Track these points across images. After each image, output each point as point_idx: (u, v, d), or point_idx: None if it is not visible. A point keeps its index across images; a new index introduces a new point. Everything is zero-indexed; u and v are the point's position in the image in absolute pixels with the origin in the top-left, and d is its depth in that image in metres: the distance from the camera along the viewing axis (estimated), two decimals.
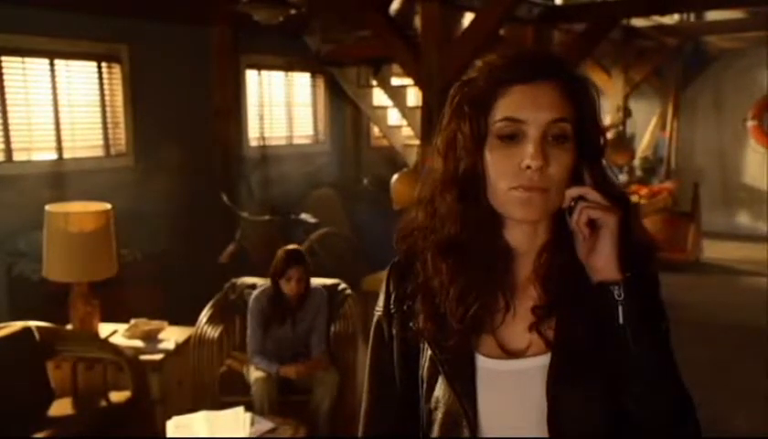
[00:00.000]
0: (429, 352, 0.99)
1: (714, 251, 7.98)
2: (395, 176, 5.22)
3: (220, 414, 2.87)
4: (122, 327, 3.61)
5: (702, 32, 8.79)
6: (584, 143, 0.94)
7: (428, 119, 4.68)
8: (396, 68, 6.84)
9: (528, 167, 0.90)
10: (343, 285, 3.73)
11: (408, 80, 7.15)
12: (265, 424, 2.81)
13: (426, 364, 1.00)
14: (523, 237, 0.99)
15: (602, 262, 0.91)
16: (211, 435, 2.70)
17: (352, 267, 5.58)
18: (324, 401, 3.21)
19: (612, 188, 0.95)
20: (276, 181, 6.46)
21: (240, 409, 2.91)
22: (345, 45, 6.09)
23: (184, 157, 5.53)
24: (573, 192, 0.93)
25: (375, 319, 1.10)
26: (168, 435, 2.72)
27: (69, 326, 3.45)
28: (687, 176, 9.02)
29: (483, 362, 0.97)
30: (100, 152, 5.10)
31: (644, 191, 6.94)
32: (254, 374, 3.18)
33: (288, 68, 6.58)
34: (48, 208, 3.37)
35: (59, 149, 4.79)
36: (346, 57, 6.25)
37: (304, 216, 5.73)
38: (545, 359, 0.93)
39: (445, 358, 0.97)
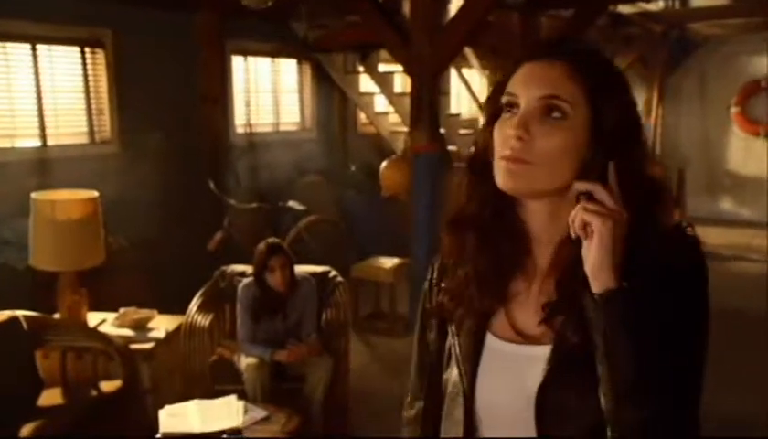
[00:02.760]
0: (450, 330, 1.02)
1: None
2: (384, 163, 5.21)
3: (213, 403, 2.86)
4: (110, 316, 3.58)
5: (687, 19, 8.84)
6: (602, 129, 0.92)
7: (418, 105, 4.67)
8: (383, 54, 6.80)
9: (511, 138, 0.91)
10: (333, 273, 3.72)
11: (395, 67, 7.13)
12: (259, 413, 2.79)
13: (448, 342, 1.04)
14: (537, 221, 0.97)
15: (588, 271, 0.88)
16: (204, 424, 2.68)
17: (341, 254, 5.57)
18: (317, 388, 3.20)
19: (642, 184, 0.92)
20: (263, 168, 6.41)
21: (233, 397, 2.91)
22: (332, 31, 6.04)
23: (170, 144, 5.47)
24: (579, 186, 0.90)
25: (421, 297, 1.15)
26: (161, 424, 2.70)
27: (56, 316, 3.42)
28: (671, 162, 9.08)
29: (492, 341, 0.99)
30: (84, 139, 5.02)
31: None
32: (246, 361, 3.16)
33: (274, 54, 6.51)
34: (34, 195, 3.31)
35: (43, 136, 4.71)
36: (334, 43, 6.20)
37: (292, 203, 5.70)
38: (548, 351, 0.93)
39: (459, 336, 1.00)
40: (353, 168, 6.94)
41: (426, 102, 4.65)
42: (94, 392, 3.00)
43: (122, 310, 3.56)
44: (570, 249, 0.93)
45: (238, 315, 3.34)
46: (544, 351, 0.93)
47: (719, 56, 9.48)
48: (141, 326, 3.46)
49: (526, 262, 0.98)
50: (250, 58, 6.36)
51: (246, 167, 6.20)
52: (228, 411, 2.80)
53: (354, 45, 6.09)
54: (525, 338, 0.97)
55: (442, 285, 1.06)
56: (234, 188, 5.85)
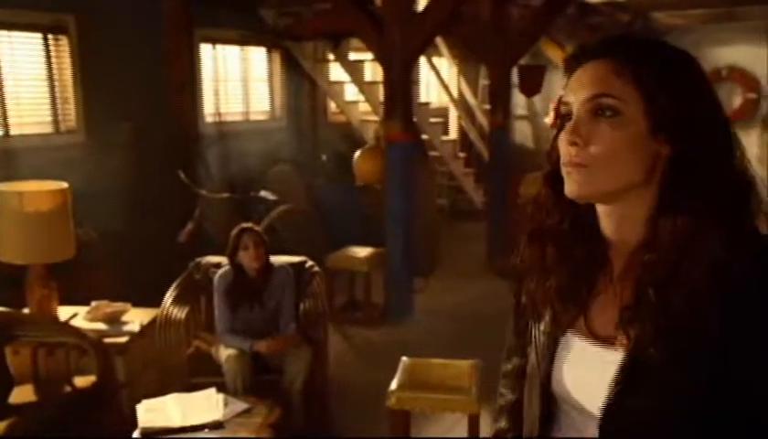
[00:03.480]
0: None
1: None
2: (358, 153, 5.18)
3: (192, 396, 2.82)
4: (81, 310, 3.49)
5: (650, 8, 8.95)
6: (661, 119, 0.88)
7: (391, 94, 4.65)
8: (354, 42, 6.76)
9: (567, 144, 0.91)
10: (310, 263, 3.69)
11: (366, 55, 7.09)
12: (239, 405, 2.76)
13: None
14: (611, 224, 0.95)
15: None
16: (184, 418, 2.64)
17: (313, 244, 5.53)
18: (296, 379, 3.17)
19: (723, 181, 0.87)
20: (233, 158, 6.32)
21: (212, 390, 2.87)
22: (303, 18, 5.96)
23: (137, 134, 5.35)
24: None
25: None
26: (139, 419, 2.65)
27: (25, 311, 3.32)
28: None
29: (570, 338, 0.99)
30: (49, 128, 4.88)
31: None
32: (226, 352, 3.12)
33: (243, 42, 6.42)
34: (0, 187, 3.21)
35: (5, 125, 4.56)
36: (305, 31, 6.13)
37: (263, 193, 5.63)
38: (621, 356, 0.91)
39: (539, 330, 1.02)
40: (324, 158, 6.89)
41: (400, 91, 4.64)
42: (68, 388, 2.93)
43: (94, 304, 3.48)
44: (640, 255, 0.90)
45: (215, 306, 3.29)
46: (618, 357, 0.91)
47: (681, 45, 9.60)
48: (114, 320, 3.39)
49: (605, 267, 0.97)
50: (219, 47, 6.26)
51: (216, 157, 6.10)
52: (208, 404, 2.76)
53: (325, 33, 6.02)
54: (602, 341, 0.95)
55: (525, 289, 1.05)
56: (204, 178, 5.76)
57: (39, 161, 4.62)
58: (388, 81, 4.67)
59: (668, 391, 0.86)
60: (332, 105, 7.63)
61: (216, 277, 3.34)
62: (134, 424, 3.27)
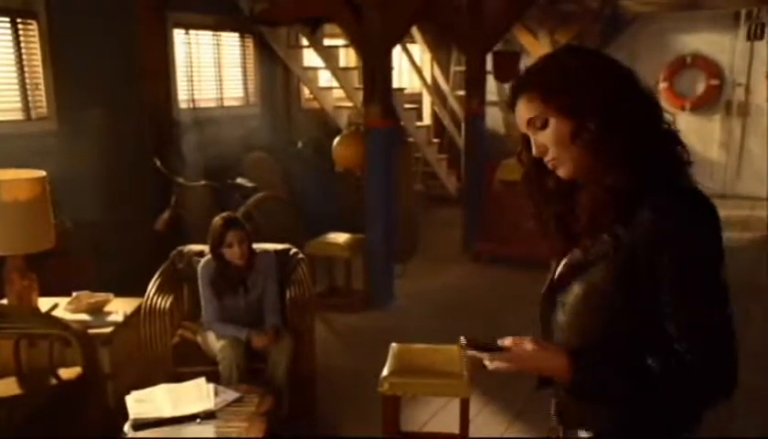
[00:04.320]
0: None
1: None
2: (337, 139, 5.16)
3: (181, 386, 2.80)
4: (61, 301, 3.43)
5: None
6: (575, 110, 1.23)
7: (371, 80, 4.64)
8: (329, 28, 6.71)
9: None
10: (294, 250, 3.68)
11: (340, 41, 7.05)
12: (230, 394, 2.75)
13: None
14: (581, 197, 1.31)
15: None
16: (175, 408, 2.62)
17: (290, 231, 5.50)
18: (279, 366, 3.17)
19: (638, 141, 1.23)
20: (207, 145, 6.23)
21: (202, 380, 2.85)
22: (279, 3, 5.89)
23: (111, 121, 5.24)
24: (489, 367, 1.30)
25: None
26: (130, 410, 2.62)
27: (3, 302, 3.25)
28: None
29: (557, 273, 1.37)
30: (19, 115, 4.75)
31: None
32: (220, 342, 3.09)
33: (217, 27, 6.32)
34: None
35: None
36: (282, 16, 6.06)
37: (240, 180, 5.59)
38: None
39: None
40: (300, 144, 6.85)
41: (379, 77, 4.63)
42: (53, 380, 2.88)
43: (75, 294, 3.42)
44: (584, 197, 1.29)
45: (201, 296, 3.26)
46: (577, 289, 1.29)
47: (648, 33, 9.79)
48: (97, 311, 3.34)
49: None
50: (192, 32, 6.15)
51: (190, 144, 6.01)
52: (198, 394, 2.74)
53: (302, 18, 5.95)
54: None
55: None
56: (178, 166, 5.68)
57: (9, 149, 4.51)
58: (367, 67, 4.65)
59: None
60: (305, 91, 7.57)
61: (199, 267, 3.30)
62: (120, 415, 3.25)
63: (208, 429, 2.52)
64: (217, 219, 3.30)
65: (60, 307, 3.36)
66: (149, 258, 4.97)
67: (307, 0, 5.42)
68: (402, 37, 5.10)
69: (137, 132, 5.48)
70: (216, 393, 2.74)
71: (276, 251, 3.54)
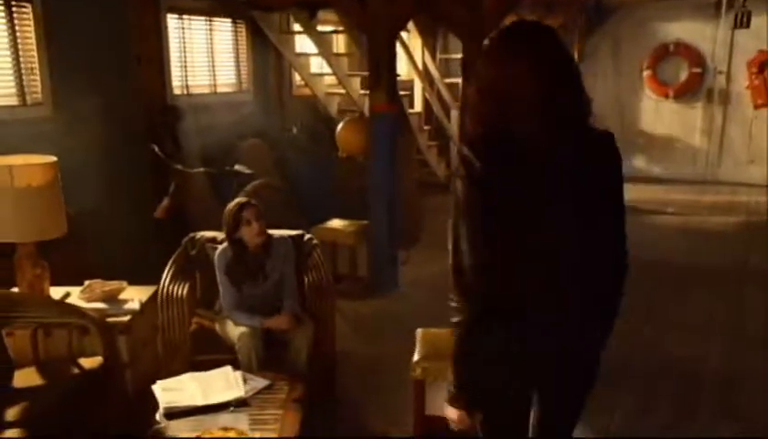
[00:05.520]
0: None
1: None
2: (341, 124, 5.12)
3: (208, 375, 2.77)
4: (73, 290, 3.36)
5: None
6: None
7: (376, 66, 4.61)
8: (322, 14, 6.64)
9: None
10: (308, 235, 3.66)
11: (332, 27, 6.99)
12: (259, 382, 2.72)
13: None
14: None
15: None
16: (206, 396, 2.59)
17: (289, 218, 5.46)
18: (301, 352, 3.15)
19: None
20: (201, 131, 6.14)
21: (228, 368, 2.82)
22: None
23: (106, 107, 5.13)
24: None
25: None
26: (160, 399, 2.58)
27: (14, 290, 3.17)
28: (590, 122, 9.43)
29: None
30: (14, 100, 4.62)
31: None
32: (238, 330, 3.06)
33: (210, 12, 6.21)
34: None
35: None
36: (279, 0, 5.95)
37: (238, 167, 5.52)
38: None
39: None
40: (295, 131, 6.78)
41: (384, 63, 4.60)
42: (76, 370, 2.82)
43: (87, 282, 3.35)
44: None
45: (219, 283, 3.22)
46: None
47: (631, 21, 9.89)
48: (111, 299, 3.27)
49: None
50: (185, 17, 6.04)
51: (185, 131, 5.92)
52: (226, 382, 2.71)
53: (300, 2, 5.87)
54: None
55: None
56: (173, 152, 5.59)
57: (5, 134, 4.39)
58: (372, 53, 4.61)
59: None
60: (296, 78, 7.50)
61: (216, 254, 3.26)
62: (139, 405, 3.21)
63: (242, 417, 2.50)
64: (230, 205, 3.26)
65: (73, 296, 3.29)
66: (147, 245, 4.92)
67: None
68: (407, 21, 5.06)
69: (132, 118, 5.37)
70: (245, 381, 2.71)
71: (291, 237, 3.51)
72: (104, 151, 5.09)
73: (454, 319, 1.64)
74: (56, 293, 3.30)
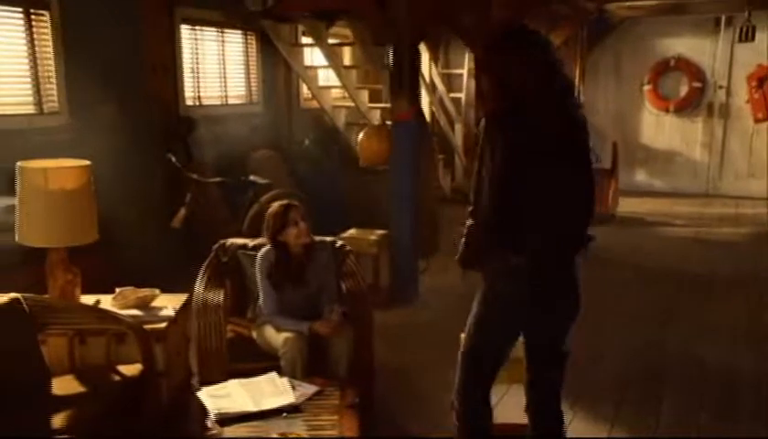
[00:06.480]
0: None
1: (621, 205, 8.48)
2: (362, 133, 5.08)
3: (254, 381, 2.68)
4: (103, 298, 3.26)
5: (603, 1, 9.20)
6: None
7: (398, 73, 4.58)
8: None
9: None
10: (341, 242, 3.59)
11: (341, 39, 6.97)
12: (309, 388, 2.63)
13: None
14: None
15: None
16: (257, 403, 2.50)
17: None
18: (341, 358, 3.06)
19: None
20: (213, 142, 6.10)
21: (274, 374, 2.74)
22: None
23: (120, 116, 5.08)
24: None
25: None
26: (209, 406, 2.49)
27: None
28: (591, 136, 9.44)
29: None
30: (31, 109, 4.54)
31: None
32: (282, 335, 2.97)
33: (222, 24, 6.18)
34: (21, 164, 2.95)
35: None
36: (298, 9, 5.90)
37: (253, 178, 5.47)
38: None
39: None
40: (307, 142, 6.74)
41: (407, 71, 4.57)
42: (116, 378, 2.73)
43: (118, 290, 3.26)
44: None
45: (260, 288, 3.14)
46: None
47: (632, 36, 9.99)
48: (144, 306, 3.19)
49: None
50: (198, 28, 6.00)
51: (197, 141, 5.86)
52: (274, 388, 2.63)
53: (318, 12, 5.84)
54: None
55: None
56: (185, 162, 5.52)
57: (22, 143, 4.31)
58: (395, 61, 4.58)
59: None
60: (304, 91, 7.48)
61: (258, 257, 3.18)
62: (173, 412, 3.12)
63: (298, 422, 2.41)
64: (273, 206, 3.20)
65: (104, 304, 3.20)
66: (161, 253, 4.83)
67: None
68: (427, 29, 5.05)
69: (147, 127, 5.31)
70: (293, 387, 2.63)
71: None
72: (119, 160, 5.01)
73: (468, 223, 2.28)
74: (86, 300, 3.21)
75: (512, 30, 2.27)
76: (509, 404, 3.05)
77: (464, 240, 2.31)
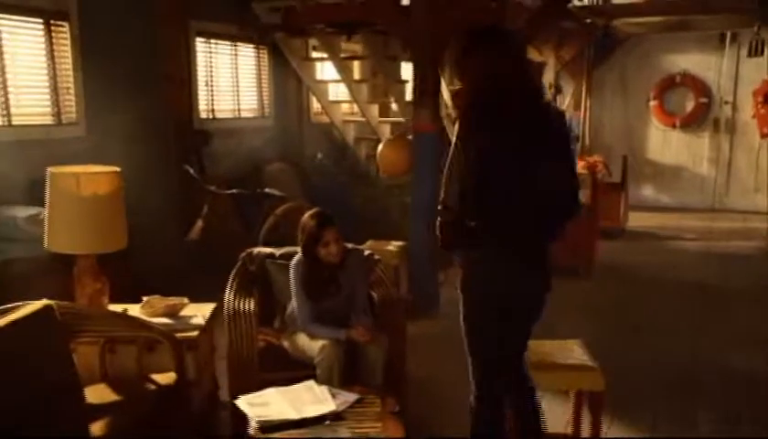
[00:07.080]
0: None
1: (630, 220, 8.46)
2: (381, 144, 5.06)
3: (293, 389, 2.62)
4: (130, 307, 3.21)
5: (610, 17, 9.26)
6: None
7: (421, 85, 4.57)
8: (344, 44, 6.64)
9: None
10: (369, 251, 3.54)
11: (350, 54, 6.98)
12: (348, 396, 2.57)
13: None
14: None
15: None
16: (298, 411, 2.44)
17: None
18: (376, 366, 3.01)
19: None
20: (227, 154, 6.07)
21: (312, 382, 2.68)
22: (310, 7, 5.67)
23: (136, 128, 5.04)
24: None
25: None
26: (249, 414, 2.43)
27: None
28: (597, 152, 9.48)
29: None
30: (49, 119, 4.51)
31: (581, 164, 7.21)
32: (318, 343, 2.92)
33: (236, 37, 6.18)
34: (51, 170, 2.92)
35: (8, 115, 4.18)
36: (316, 19, 5.87)
37: (268, 190, 5.43)
38: None
39: None
40: (320, 156, 6.72)
41: (429, 82, 4.56)
42: (150, 386, 2.67)
43: (145, 299, 3.21)
44: None
45: (294, 296, 3.08)
46: None
47: (638, 53, 10.05)
48: (173, 315, 3.13)
49: None
50: (212, 42, 6.00)
51: (210, 154, 5.83)
52: (313, 396, 2.57)
53: (337, 24, 5.82)
54: None
55: None
56: (200, 174, 5.49)
57: (41, 154, 4.27)
58: (417, 72, 4.58)
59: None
60: (314, 105, 7.47)
61: (291, 265, 3.13)
62: (204, 421, 3.06)
63: (342, 430, 2.35)
64: (307, 218, 3.13)
65: (132, 312, 3.14)
66: (176, 264, 4.79)
67: (353, 4, 5.24)
68: (449, 39, 5.04)
69: (162, 139, 5.28)
70: (332, 395, 2.57)
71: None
72: (135, 171, 4.95)
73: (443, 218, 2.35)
74: (114, 309, 3.16)
75: (485, 28, 2.37)
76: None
77: (438, 225, 2.39)
